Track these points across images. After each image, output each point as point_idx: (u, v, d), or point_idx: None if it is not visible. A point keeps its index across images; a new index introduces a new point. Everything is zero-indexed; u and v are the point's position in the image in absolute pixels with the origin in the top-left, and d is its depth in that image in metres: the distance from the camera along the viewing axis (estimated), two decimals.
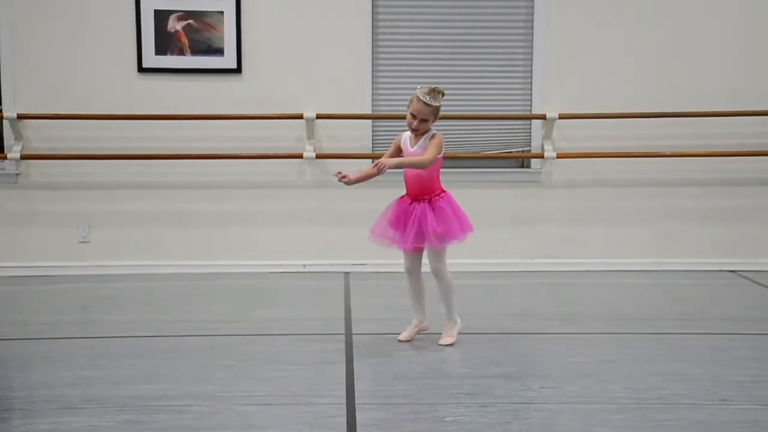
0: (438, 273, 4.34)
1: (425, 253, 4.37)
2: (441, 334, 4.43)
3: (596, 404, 3.52)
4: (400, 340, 4.44)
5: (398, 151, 4.37)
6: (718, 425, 3.27)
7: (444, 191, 4.34)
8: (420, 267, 4.40)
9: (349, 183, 4.31)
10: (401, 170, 4.37)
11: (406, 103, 4.28)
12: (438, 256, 4.32)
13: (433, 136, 4.26)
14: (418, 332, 4.48)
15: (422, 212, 4.25)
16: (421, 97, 4.17)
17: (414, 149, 4.28)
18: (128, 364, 4.06)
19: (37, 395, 3.64)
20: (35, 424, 3.28)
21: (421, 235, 4.26)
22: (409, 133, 4.33)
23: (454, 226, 4.29)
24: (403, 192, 4.39)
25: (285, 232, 6.26)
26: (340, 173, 4.27)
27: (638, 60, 6.23)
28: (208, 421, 3.32)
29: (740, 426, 3.27)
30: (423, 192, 4.30)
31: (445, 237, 4.27)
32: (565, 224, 6.34)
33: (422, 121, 4.21)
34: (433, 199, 4.29)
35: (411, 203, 4.30)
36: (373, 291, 5.79)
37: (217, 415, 3.38)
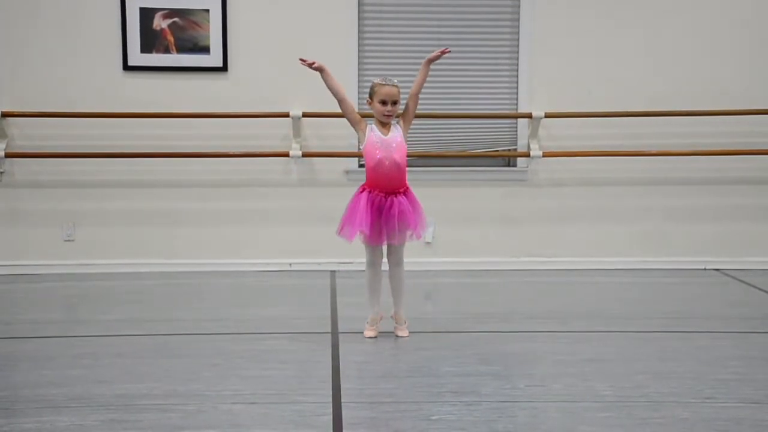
0: (401, 263, 4.45)
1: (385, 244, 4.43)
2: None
3: (581, 402, 3.53)
4: (369, 336, 4.49)
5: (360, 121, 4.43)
6: (702, 423, 3.28)
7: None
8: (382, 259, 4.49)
9: (320, 69, 4.43)
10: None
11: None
12: (403, 246, 4.43)
13: (397, 120, 4.40)
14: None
15: (405, 205, 4.32)
16: (391, 81, 4.32)
17: (389, 137, 4.34)
18: (113, 363, 4.04)
19: (20, 394, 3.62)
20: (19, 423, 3.27)
21: (405, 228, 4.34)
22: (374, 125, 4.39)
23: (423, 217, 4.44)
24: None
25: (271, 231, 6.25)
26: (304, 61, 4.43)
27: (624, 59, 6.26)
28: (193, 420, 3.31)
29: (724, 423, 3.28)
30: (400, 185, 4.35)
31: (424, 227, 4.42)
32: (550, 223, 6.35)
33: (395, 104, 4.32)
34: (406, 192, 4.37)
35: (386, 197, 4.32)
36: (359, 289, 5.71)
37: (202, 414, 3.37)
